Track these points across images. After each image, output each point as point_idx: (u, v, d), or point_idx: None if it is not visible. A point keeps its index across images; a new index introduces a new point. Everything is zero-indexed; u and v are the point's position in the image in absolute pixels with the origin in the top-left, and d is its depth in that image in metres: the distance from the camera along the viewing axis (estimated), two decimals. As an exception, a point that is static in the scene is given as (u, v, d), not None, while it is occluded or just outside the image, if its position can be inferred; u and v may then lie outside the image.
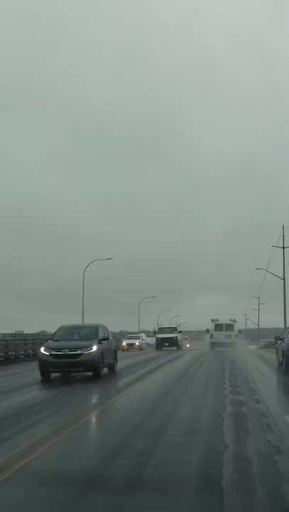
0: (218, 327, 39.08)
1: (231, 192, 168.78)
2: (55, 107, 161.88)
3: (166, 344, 46.56)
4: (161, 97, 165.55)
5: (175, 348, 45.43)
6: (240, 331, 40.39)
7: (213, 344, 38.10)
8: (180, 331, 55.16)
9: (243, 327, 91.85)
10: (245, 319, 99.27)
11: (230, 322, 40.37)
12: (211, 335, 39.23)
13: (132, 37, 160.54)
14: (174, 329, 52.71)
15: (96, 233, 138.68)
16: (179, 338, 49.27)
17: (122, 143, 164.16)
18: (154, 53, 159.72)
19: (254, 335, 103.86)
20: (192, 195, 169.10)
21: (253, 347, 58.82)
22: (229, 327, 38.92)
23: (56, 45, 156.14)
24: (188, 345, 71.94)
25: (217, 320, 39.21)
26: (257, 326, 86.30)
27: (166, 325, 60.65)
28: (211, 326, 40.50)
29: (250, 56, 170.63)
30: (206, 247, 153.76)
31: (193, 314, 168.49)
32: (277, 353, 21.85)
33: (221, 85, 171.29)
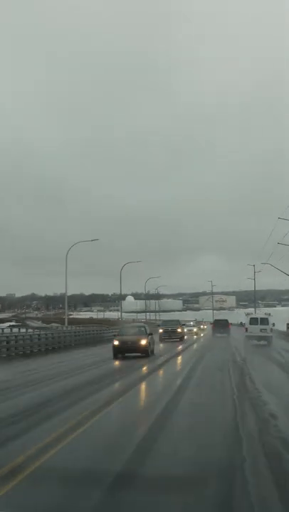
0: (253, 321, 39.83)
1: (241, 139, 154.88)
2: (42, 36, 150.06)
3: None
4: (160, 26, 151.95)
5: None
6: (274, 324, 41.07)
7: (248, 337, 38.98)
8: None
9: (249, 288, 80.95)
10: (254, 271, 78.58)
11: (265, 316, 41.29)
12: (246, 329, 39.97)
13: None
14: None
15: (84, 189, 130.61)
16: None
17: (115, 73, 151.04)
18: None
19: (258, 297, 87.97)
20: (193, 141, 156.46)
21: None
22: (264, 321, 39.80)
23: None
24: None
25: (252, 314, 39.84)
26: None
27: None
28: (246, 320, 41.32)
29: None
30: (204, 202, 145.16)
31: (187, 277, 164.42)
32: None
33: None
